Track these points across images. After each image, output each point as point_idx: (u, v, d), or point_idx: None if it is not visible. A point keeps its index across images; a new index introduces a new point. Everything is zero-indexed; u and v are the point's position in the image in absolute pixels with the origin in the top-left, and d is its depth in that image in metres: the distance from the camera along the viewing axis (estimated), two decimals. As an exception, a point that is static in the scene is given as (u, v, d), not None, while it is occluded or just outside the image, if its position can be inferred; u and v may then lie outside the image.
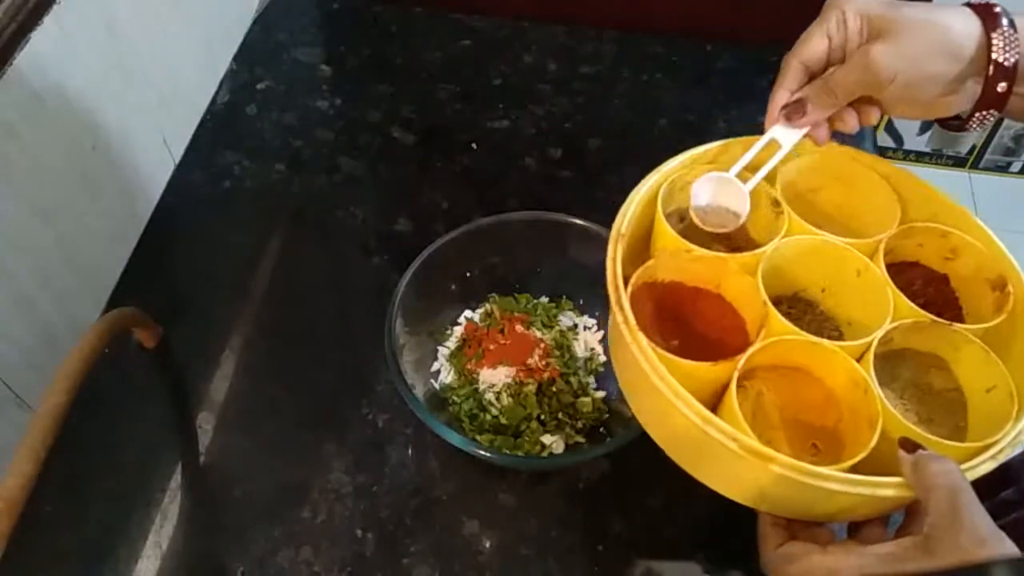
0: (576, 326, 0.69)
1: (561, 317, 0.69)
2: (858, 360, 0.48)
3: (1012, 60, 0.44)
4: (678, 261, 0.52)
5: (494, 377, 0.64)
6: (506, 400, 0.63)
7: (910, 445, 0.42)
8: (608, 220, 0.66)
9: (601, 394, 0.65)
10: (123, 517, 0.60)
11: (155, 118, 0.77)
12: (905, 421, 0.44)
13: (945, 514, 0.38)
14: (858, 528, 0.46)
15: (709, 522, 0.60)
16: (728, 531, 0.60)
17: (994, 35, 0.44)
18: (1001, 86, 0.45)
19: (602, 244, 0.65)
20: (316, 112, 0.88)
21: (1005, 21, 0.45)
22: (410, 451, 0.63)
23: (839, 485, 0.41)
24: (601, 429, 0.64)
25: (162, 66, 0.76)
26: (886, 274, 0.50)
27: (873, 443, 0.43)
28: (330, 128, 0.86)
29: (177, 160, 0.82)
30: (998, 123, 1.64)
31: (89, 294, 0.70)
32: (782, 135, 0.52)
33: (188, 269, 0.75)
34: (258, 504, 0.61)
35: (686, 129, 0.86)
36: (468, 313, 0.69)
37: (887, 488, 0.41)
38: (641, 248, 0.54)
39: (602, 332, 0.68)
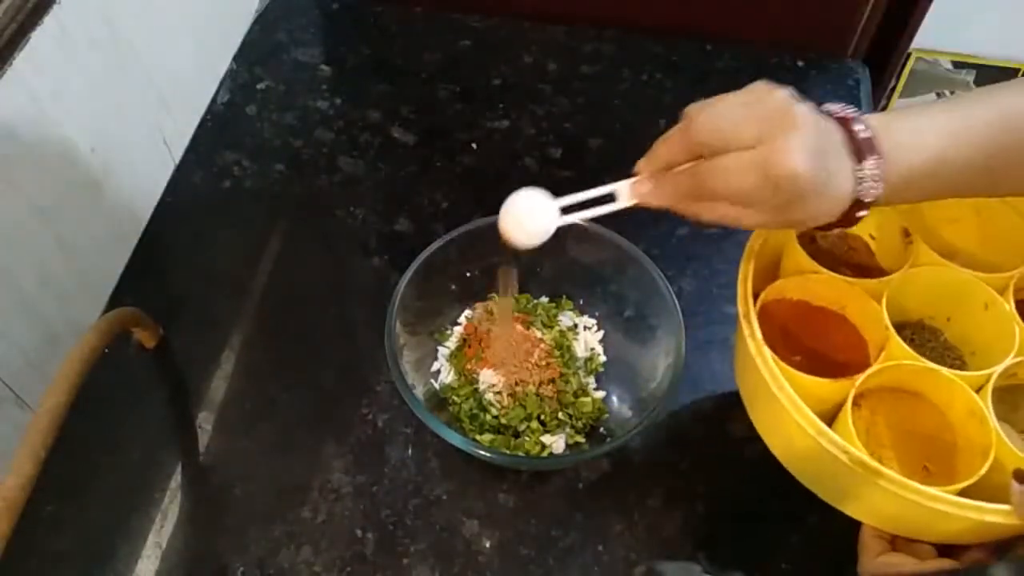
0: (576, 326, 0.69)
1: (561, 317, 0.69)
2: (978, 391, 0.49)
3: (875, 195, 0.41)
4: (806, 282, 0.55)
5: (494, 377, 0.64)
6: (506, 400, 0.63)
7: (1023, 476, 0.42)
8: (608, 220, 0.67)
9: (601, 394, 0.65)
10: (123, 517, 0.60)
11: (155, 118, 0.77)
12: (1020, 453, 0.45)
13: None
14: (962, 553, 0.46)
15: (709, 522, 0.60)
16: (728, 531, 0.60)
17: (866, 167, 0.40)
18: (859, 215, 0.42)
19: (602, 244, 0.66)
20: (316, 112, 0.88)
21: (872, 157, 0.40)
22: (410, 451, 0.63)
23: (944, 506, 0.42)
24: (601, 429, 0.64)
25: (162, 66, 0.76)
26: (1014, 310, 0.51)
27: (984, 470, 0.45)
28: (330, 128, 0.86)
29: (177, 160, 0.82)
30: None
31: (89, 294, 0.70)
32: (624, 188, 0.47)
33: (188, 269, 0.75)
34: (258, 504, 0.61)
35: (686, 129, 0.86)
36: (468, 313, 0.69)
37: (993, 515, 0.42)
38: (770, 266, 0.57)
39: (602, 332, 0.68)
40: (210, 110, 0.87)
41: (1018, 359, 0.49)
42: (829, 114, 0.42)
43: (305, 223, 0.78)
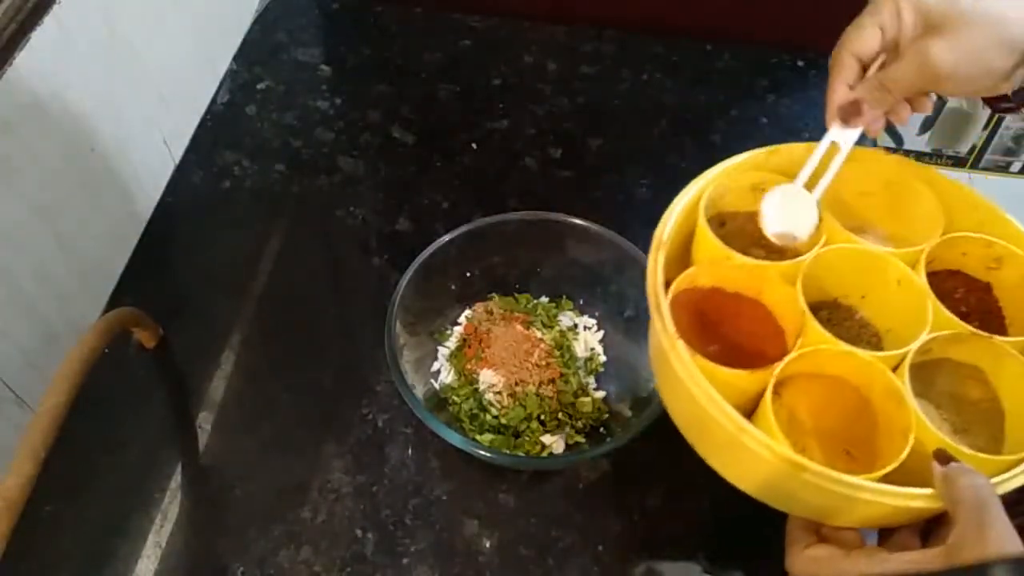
0: (576, 326, 0.69)
1: (561, 317, 0.69)
2: (894, 369, 0.48)
3: None
4: (719, 268, 0.52)
5: (494, 377, 0.64)
6: (506, 400, 0.63)
7: (944, 457, 0.42)
8: (608, 220, 0.67)
9: (601, 394, 0.65)
10: (123, 517, 0.60)
11: (155, 118, 0.77)
12: (939, 433, 0.44)
13: (970, 527, 0.39)
14: (890, 534, 0.46)
15: (709, 522, 0.60)
16: (728, 530, 0.60)
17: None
18: None
19: (602, 244, 0.66)
20: (316, 112, 0.88)
21: None
22: (410, 451, 0.63)
23: (869, 495, 0.42)
24: (601, 429, 0.64)
25: (162, 66, 0.76)
26: (927, 285, 0.50)
27: (905, 454, 0.44)
28: (330, 128, 0.86)
29: (177, 160, 0.82)
30: (998, 122, 1.64)
31: (89, 294, 0.70)
32: (839, 136, 0.51)
33: (188, 269, 0.75)
34: (258, 504, 0.61)
35: (686, 129, 0.86)
36: (468, 313, 0.69)
37: (917, 500, 0.42)
38: (683, 254, 0.55)
39: (602, 332, 0.68)
40: (210, 110, 0.87)
41: (932, 335, 0.48)
42: None
43: (305, 223, 0.79)
